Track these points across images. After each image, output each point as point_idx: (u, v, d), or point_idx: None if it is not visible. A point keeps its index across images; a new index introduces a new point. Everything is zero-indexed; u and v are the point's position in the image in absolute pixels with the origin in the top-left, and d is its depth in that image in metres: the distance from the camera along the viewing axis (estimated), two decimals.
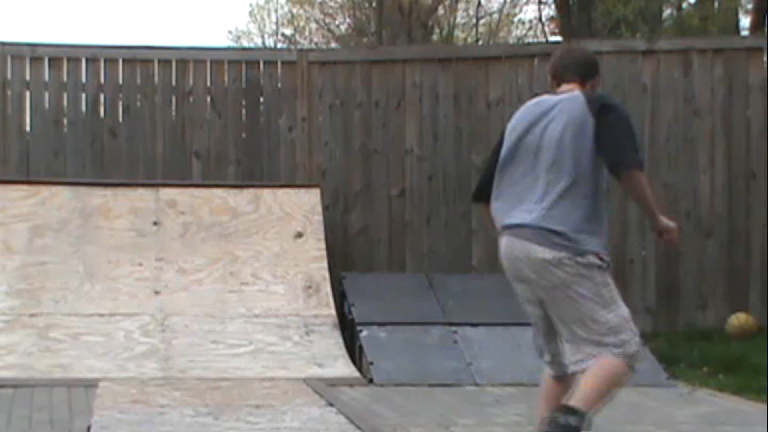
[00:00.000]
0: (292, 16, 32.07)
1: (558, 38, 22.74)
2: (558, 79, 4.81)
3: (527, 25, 29.65)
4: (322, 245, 8.82)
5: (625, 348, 4.53)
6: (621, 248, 9.72)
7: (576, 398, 4.48)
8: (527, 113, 4.73)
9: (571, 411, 4.46)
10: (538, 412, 4.77)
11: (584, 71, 4.81)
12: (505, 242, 4.66)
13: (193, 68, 9.77)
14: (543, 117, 4.65)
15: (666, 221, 4.69)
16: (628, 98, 9.79)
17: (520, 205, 4.60)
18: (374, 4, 28.01)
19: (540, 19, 27.36)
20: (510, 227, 4.61)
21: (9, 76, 9.56)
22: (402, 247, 9.78)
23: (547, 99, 4.74)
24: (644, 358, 7.41)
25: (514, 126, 4.74)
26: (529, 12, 34.23)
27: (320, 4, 30.75)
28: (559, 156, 4.54)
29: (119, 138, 9.66)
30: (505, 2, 29.88)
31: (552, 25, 26.32)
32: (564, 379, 4.72)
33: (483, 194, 4.82)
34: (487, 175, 4.79)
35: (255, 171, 9.72)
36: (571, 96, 4.65)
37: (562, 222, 4.48)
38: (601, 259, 4.50)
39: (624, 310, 4.57)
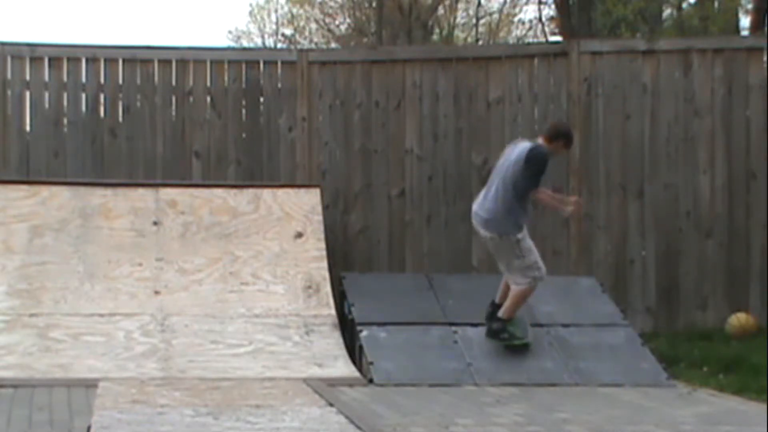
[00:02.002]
0: (292, 16, 32.08)
1: (558, 38, 22.75)
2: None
3: (527, 25, 29.65)
4: (322, 245, 8.82)
5: (533, 278, 7.87)
6: (621, 249, 9.73)
7: (501, 312, 7.93)
8: (509, 148, 8.07)
9: (497, 320, 7.94)
10: (499, 294, 8.02)
11: (550, 134, 7.93)
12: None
13: (193, 68, 9.77)
14: (511, 153, 7.91)
15: (568, 202, 8.20)
16: (628, 98, 9.81)
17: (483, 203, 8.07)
18: (374, 4, 28.01)
19: (540, 19, 27.36)
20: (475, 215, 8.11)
21: (9, 76, 9.57)
22: (402, 247, 9.78)
23: (520, 143, 8.00)
24: (645, 359, 7.45)
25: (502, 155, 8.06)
26: (529, 12, 34.23)
27: (320, 4, 30.74)
28: (504, 177, 7.84)
29: (119, 138, 9.67)
30: (505, 2, 29.88)
31: (552, 25, 26.32)
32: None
33: None
34: None
35: (255, 171, 9.73)
36: (525, 145, 7.89)
37: (493, 213, 7.93)
38: (515, 235, 7.84)
39: (529, 260, 7.84)
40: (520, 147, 7.83)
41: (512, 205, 7.80)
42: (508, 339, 7.92)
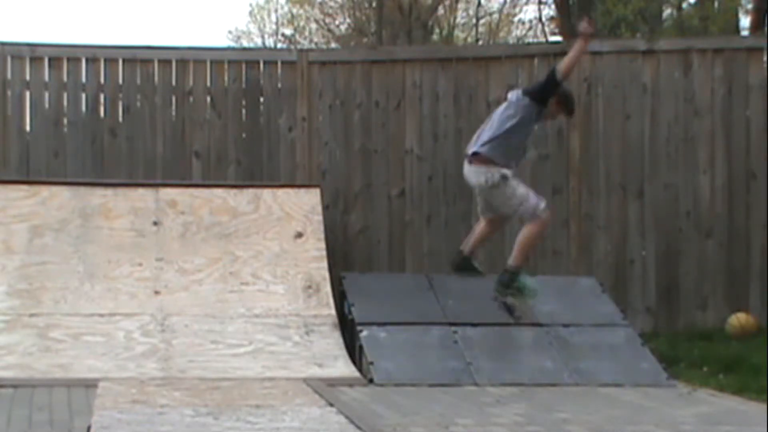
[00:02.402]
0: (292, 16, 32.09)
1: (558, 38, 22.75)
2: None
3: (527, 25, 29.66)
4: (322, 245, 8.82)
5: (536, 207, 7.84)
6: (621, 249, 9.74)
7: (511, 259, 8.01)
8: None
9: (506, 271, 8.01)
10: (469, 239, 8.28)
11: (559, 95, 7.96)
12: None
13: (193, 68, 9.77)
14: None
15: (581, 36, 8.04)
16: (627, 98, 9.81)
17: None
18: (374, 4, 28.02)
19: (540, 19, 27.37)
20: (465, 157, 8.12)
21: (9, 76, 9.57)
22: (402, 247, 9.79)
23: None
24: (645, 358, 7.42)
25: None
26: (529, 12, 34.23)
27: (320, 4, 30.75)
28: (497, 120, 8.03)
29: (119, 138, 9.67)
30: (505, 2, 29.89)
31: (552, 25, 26.32)
32: (491, 222, 8.18)
33: None
34: None
35: (255, 171, 9.73)
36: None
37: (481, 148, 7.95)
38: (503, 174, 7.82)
39: (522, 192, 7.86)
40: (513, 95, 8.02)
41: (501, 142, 7.81)
42: (519, 292, 7.91)
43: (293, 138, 9.79)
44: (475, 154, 7.93)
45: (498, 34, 30.17)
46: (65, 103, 9.68)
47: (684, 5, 24.09)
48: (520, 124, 7.87)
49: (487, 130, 7.97)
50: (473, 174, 7.95)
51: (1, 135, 9.50)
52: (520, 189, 7.86)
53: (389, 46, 21.05)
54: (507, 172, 7.83)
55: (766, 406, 6.64)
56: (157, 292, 8.37)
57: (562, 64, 7.84)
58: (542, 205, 7.86)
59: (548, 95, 7.88)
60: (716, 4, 22.34)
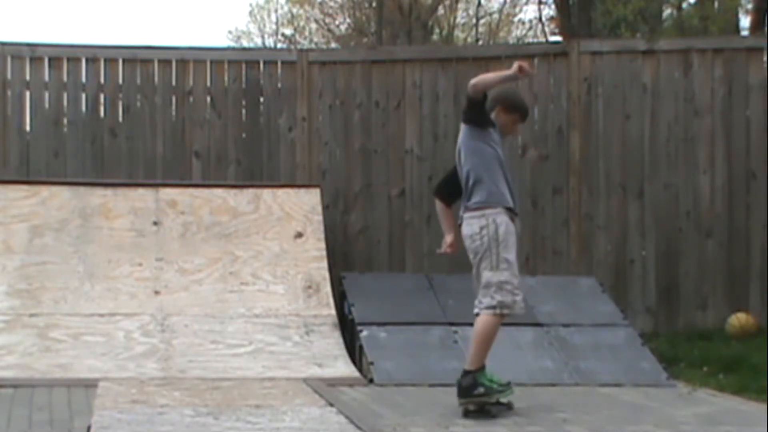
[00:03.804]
0: (292, 16, 32.09)
1: (558, 38, 22.75)
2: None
3: (527, 25, 29.68)
4: (322, 245, 8.82)
5: (501, 304, 6.33)
6: (621, 249, 9.73)
7: (468, 362, 6.40)
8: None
9: (464, 374, 6.35)
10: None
11: (506, 105, 6.74)
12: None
13: (193, 68, 9.77)
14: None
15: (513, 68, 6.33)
16: (628, 98, 9.81)
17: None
18: (374, 4, 28.01)
19: (540, 19, 27.37)
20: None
21: (9, 76, 9.57)
22: (402, 247, 9.78)
23: None
24: (645, 358, 7.41)
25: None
26: (529, 12, 34.24)
27: (320, 4, 30.75)
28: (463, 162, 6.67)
29: (119, 138, 9.67)
30: (505, 2, 29.89)
31: (552, 25, 26.33)
32: None
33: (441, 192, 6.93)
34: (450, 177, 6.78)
35: (255, 171, 9.73)
36: None
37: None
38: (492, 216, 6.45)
39: (504, 275, 6.38)
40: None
41: (481, 176, 6.35)
42: (486, 394, 6.27)
43: (293, 138, 9.79)
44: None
45: (498, 34, 30.18)
46: (65, 103, 9.68)
47: (684, 5, 24.09)
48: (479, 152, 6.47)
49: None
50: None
51: (1, 135, 9.50)
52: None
53: (389, 46, 21.04)
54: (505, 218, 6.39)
55: (766, 406, 6.64)
56: (157, 292, 8.37)
57: (473, 79, 6.39)
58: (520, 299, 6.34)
59: (477, 113, 6.50)
60: (716, 4, 22.34)
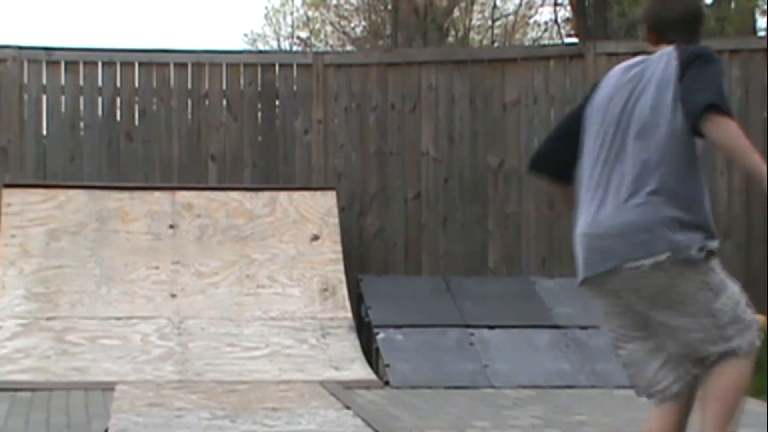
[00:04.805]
0: (308, 18, 32.09)
1: (574, 40, 22.70)
2: (657, 36, 4.00)
3: (543, 27, 29.58)
4: (338, 248, 8.82)
5: (750, 341, 3.99)
6: None
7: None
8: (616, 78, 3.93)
9: None
10: None
11: (692, 28, 3.94)
12: None
13: (209, 71, 9.78)
14: (637, 84, 3.86)
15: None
16: None
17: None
18: (389, 7, 28.00)
19: (556, 20, 27.29)
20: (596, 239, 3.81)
21: (26, 80, 9.59)
22: (418, 249, 9.77)
23: (637, 62, 3.98)
24: None
25: (602, 100, 3.88)
26: (544, 14, 34.17)
27: (336, 6, 30.75)
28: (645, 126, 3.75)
29: (135, 141, 9.68)
30: (520, 4, 29.84)
31: (568, 27, 26.26)
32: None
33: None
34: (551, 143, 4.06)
35: (271, 174, 9.73)
36: (662, 53, 3.87)
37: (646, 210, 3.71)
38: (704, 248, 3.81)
39: (732, 300, 4.02)
40: (652, 62, 3.94)
41: (685, 176, 3.72)
42: None
43: (309, 141, 9.78)
44: None
45: (514, 36, 30.12)
46: (81, 106, 9.69)
47: None
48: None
49: None
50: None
51: (18, 139, 9.52)
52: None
53: (405, 49, 21.03)
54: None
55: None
56: (173, 296, 8.38)
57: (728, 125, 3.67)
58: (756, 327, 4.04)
59: None
60: (733, 4, 22.25)
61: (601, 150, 3.76)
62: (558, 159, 3.97)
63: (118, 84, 9.70)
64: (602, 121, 3.80)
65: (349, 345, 8.05)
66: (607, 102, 3.83)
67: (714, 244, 3.85)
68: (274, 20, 32.75)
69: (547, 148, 4.09)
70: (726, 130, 3.56)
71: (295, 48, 30.35)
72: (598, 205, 3.72)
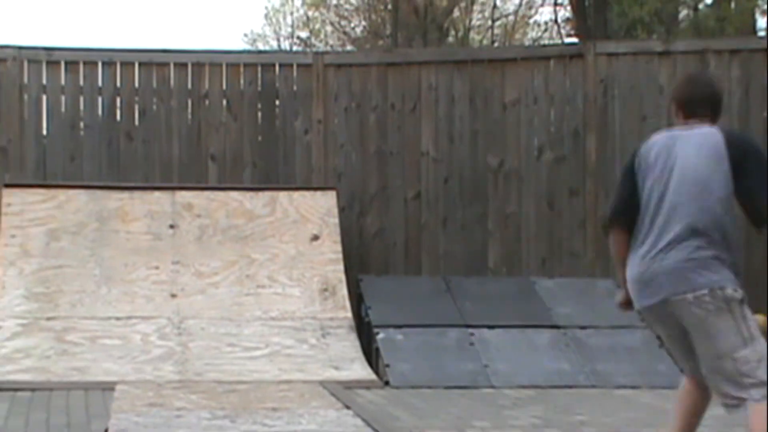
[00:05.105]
0: (308, 18, 32.09)
1: (574, 40, 22.70)
2: (687, 112, 4.63)
3: (543, 27, 29.58)
4: (338, 248, 8.82)
5: None
6: None
7: None
8: (663, 146, 4.56)
9: None
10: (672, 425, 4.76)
11: (717, 107, 4.67)
12: None
13: (209, 71, 9.78)
14: (676, 154, 4.50)
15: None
16: (644, 99, 9.78)
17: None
18: (389, 7, 28.01)
19: (556, 20, 27.30)
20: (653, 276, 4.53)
21: (26, 80, 9.59)
22: (418, 249, 9.77)
23: (680, 133, 4.57)
24: (662, 360, 7.39)
25: (653, 161, 4.53)
26: (544, 14, 34.17)
27: (336, 6, 30.76)
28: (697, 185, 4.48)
29: (135, 141, 9.68)
30: (520, 4, 29.84)
31: (568, 27, 26.26)
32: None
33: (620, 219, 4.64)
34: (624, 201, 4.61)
35: (271, 174, 9.73)
36: (707, 132, 4.52)
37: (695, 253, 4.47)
38: (735, 290, 4.51)
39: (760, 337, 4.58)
40: (697, 139, 4.52)
41: (726, 229, 4.47)
42: None
43: (309, 141, 9.79)
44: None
45: (514, 36, 30.12)
46: (81, 106, 9.70)
47: (700, 6, 24.00)
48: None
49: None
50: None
51: (18, 139, 9.53)
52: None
53: (405, 49, 21.02)
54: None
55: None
56: (173, 295, 8.38)
57: None
58: None
59: None
60: (733, 4, 22.25)
61: (656, 204, 4.48)
62: (630, 213, 4.57)
63: (118, 84, 9.70)
64: (656, 179, 4.48)
65: (349, 345, 8.06)
66: (655, 162, 4.50)
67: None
68: (274, 20, 32.75)
69: (621, 206, 4.62)
70: None
71: (295, 48, 30.36)
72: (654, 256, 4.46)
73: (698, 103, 4.61)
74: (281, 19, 32.67)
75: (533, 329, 8.21)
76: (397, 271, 9.65)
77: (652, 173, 4.49)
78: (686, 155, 4.44)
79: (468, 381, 7.60)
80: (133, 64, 9.73)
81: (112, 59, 9.72)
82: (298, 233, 8.89)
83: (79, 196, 8.90)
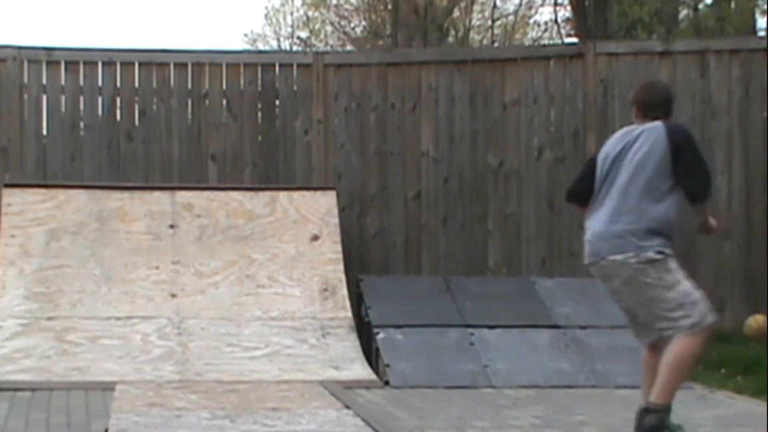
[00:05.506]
0: (308, 18, 32.09)
1: (574, 40, 22.70)
2: (644, 113, 5.63)
3: (543, 27, 29.58)
4: (339, 248, 8.82)
5: (699, 321, 5.33)
6: None
7: (655, 394, 5.35)
8: (618, 138, 5.66)
9: (651, 411, 5.33)
10: (642, 385, 5.63)
11: (669, 109, 5.64)
12: None
13: (209, 71, 9.78)
14: (631, 144, 5.52)
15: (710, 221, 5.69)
16: None
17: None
18: (389, 7, 28.01)
19: (556, 20, 27.30)
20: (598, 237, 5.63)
21: (26, 80, 9.60)
22: (418, 249, 9.77)
23: (634, 128, 5.61)
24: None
25: (607, 151, 5.62)
26: (544, 14, 34.17)
27: (335, 6, 30.76)
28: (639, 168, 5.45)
29: (135, 141, 9.69)
30: (520, 4, 29.84)
31: (568, 27, 26.26)
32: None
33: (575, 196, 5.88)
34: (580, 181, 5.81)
35: (271, 174, 9.73)
36: (654, 126, 5.49)
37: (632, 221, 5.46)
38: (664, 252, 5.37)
39: (686, 288, 5.38)
40: (646, 132, 5.50)
41: (660, 205, 5.39)
42: None
43: (309, 141, 9.79)
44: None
45: (514, 35, 30.13)
46: (81, 106, 9.70)
47: (700, 6, 24.00)
48: None
49: None
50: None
51: (18, 139, 9.53)
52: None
53: (405, 49, 21.03)
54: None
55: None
56: (173, 295, 8.38)
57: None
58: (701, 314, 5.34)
59: None
60: (733, 4, 22.25)
61: (603, 184, 5.56)
62: (583, 191, 5.73)
63: (118, 84, 9.71)
64: (606, 165, 5.56)
65: (349, 345, 8.06)
66: (610, 152, 5.58)
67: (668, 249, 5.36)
68: (274, 20, 32.76)
69: (575, 184, 5.88)
70: (704, 210, 5.58)
71: (295, 48, 30.36)
72: (603, 222, 5.54)
73: (654, 106, 5.59)
74: (281, 19, 32.69)
75: (533, 329, 8.21)
76: (397, 271, 9.65)
77: (607, 159, 5.54)
78: (636, 146, 5.45)
79: (468, 381, 7.59)
80: (133, 64, 9.73)
81: (112, 59, 9.73)
82: (298, 233, 8.89)
83: (79, 196, 8.90)
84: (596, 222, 5.56)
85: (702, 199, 5.49)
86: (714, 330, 5.40)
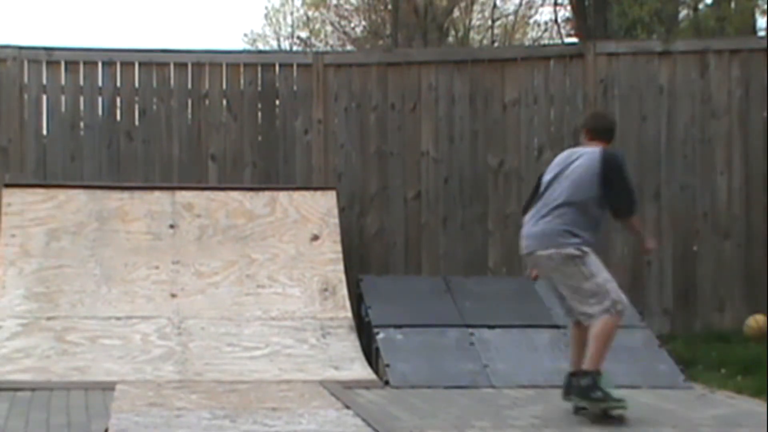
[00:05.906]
0: (308, 18, 32.10)
1: (574, 40, 22.71)
2: (591, 137, 6.59)
3: (543, 27, 29.59)
4: (339, 248, 8.82)
5: (612, 305, 6.31)
6: (638, 250, 9.69)
7: (587, 361, 6.32)
8: (562, 159, 6.59)
9: (583, 374, 6.32)
10: (571, 355, 6.60)
11: (612, 135, 6.66)
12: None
13: (209, 71, 9.79)
14: (572, 162, 6.47)
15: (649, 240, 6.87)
16: (644, 100, 9.79)
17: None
18: (389, 7, 28.01)
19: (556, 20, 27.31)
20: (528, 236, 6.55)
21: (26, 80, 9.60)
22: (418, 249, 9.78)
23: (577, 150, 6.57)
24: (662, 360, 7.38)
25: (552, 168, 6.56)
26: (544, 14, 34.17)
27: (336, 6, 30.76)
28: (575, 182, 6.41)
29: (135, 141, 9.69)
30: (520, 4, 29.85)
31: (568, 27, 26.26)
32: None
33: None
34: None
35: (271, 174, 9.74)
36: (592, 150, 6.47)
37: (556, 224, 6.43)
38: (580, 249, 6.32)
39: (602, 278, 6.33)
40: (585, 155, 6.45)
41: (583, 214, 6.37)
42: (603, 399, 6.25)
43: (309, 141, 9.79)
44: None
45: (514, 35, 30.13)
46: (81, 106, 9.70)
47: (700, 6, 24.00)
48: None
49: None
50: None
51: (18, 139, 9.53)
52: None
53: (405, 49, 21.04)
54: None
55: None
56: (173, 295, 8.38)
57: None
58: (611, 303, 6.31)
59: None
60: (733, 4, 22.25)
61: (543, 194, 6.51)
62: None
63: (118, 84, 9.71)
64: (547, 182, 6.52)
65: (349, 345, 8.06)
66: (554, 169, 6.54)
67: (586, 248, 6.32)
68: (274, 20, 32.77)
69: (529, 200, 6.71)
70: (632, 224, 6.72)
71: (295, 48, 30.37)
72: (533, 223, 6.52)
73: (600, 132, 6.59)
74: (281, 19, 32.70)
75: (533, 329, 8.21)
76: (397, 271, 9.66)
77: (551, 174, 6.50)
78: (575, 165, 6.40)
79: (468, 381, 7.59)
80: (133, 64, 9.74)
81: (112, 59, 9.73)
82: (298, 233, 8.89)
83: (79, 196, 8.90)
84: (529, 222, 6.50)
85: (624, 215, 6.53)
86: (625, 312, 6.41)
